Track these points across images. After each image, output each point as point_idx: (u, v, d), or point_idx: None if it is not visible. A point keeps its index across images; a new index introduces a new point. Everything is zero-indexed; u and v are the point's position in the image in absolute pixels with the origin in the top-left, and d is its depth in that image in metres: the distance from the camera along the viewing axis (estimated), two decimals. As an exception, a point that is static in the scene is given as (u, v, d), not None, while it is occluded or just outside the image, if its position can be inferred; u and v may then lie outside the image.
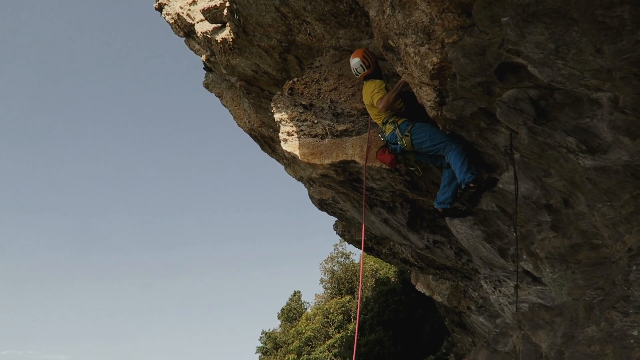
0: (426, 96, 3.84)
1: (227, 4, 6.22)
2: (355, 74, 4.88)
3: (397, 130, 4.56)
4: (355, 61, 4.79)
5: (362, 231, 4.70)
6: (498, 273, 6.08)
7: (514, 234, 4.69)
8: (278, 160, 10.12)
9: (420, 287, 14.64)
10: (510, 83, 3.14)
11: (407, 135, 4.50)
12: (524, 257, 5.00)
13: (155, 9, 9.98)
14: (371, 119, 5.01)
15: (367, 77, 4.80)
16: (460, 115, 3.83)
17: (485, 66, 3.09)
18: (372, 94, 4.70)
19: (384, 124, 4.71)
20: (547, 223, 4.27)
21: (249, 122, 9.37)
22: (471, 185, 4.25)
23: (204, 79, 10.70)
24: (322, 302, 26.68)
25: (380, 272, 23.31)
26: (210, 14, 7.52)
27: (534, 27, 2.25)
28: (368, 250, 10.18)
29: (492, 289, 6.62)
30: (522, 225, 4.66)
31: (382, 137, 4.79)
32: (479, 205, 5.14)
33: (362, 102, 5.11)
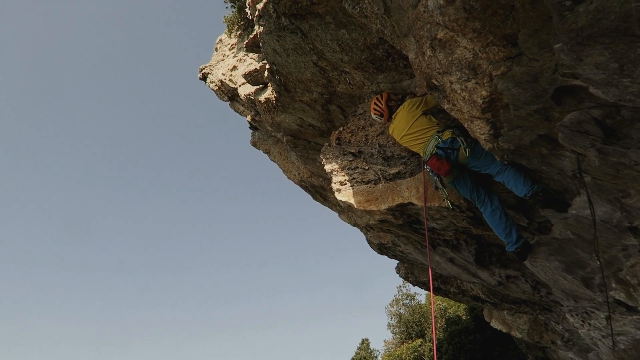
0: (479, 130, 3.72)
1: (267, 66, 6.47)
2: (380, 121, 5.19)
3: (461, 138, 4.38)
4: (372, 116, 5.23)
5: (429, 275, 4.49)
6: (584, 304, 5.56)
7: (597, 262, 4.31)
8: (331, 208, 10.11)
9: (495, 324, 13.73)
10: (569, 106, 2.98)
11: (470, 147, 4.33)
12: (613, 285, 4.56)
13: (200, 79, 10.61)
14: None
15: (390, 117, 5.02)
16: (519, 145, 3.67)
17: (539, 93, 2.96)
18: (418, 105, 4.74)
19: (439, 132, 4.52)
20: (635, 247, 3.90)
21: (298, 174, 9.50)
22: (540, 194, 3.99)
23: (250, 138, 11.06)
24: (392, 348, 25.52)
25: (449, 310, 22.15)
26: (252, 77, 7.85)
27: (592, 49, 2.14)
28: (435, 290, 9.74)
29: (580, 323, 6.05)
30: (605, 252, 4.29)
31: (436, 142, 4.50)
32: (551, 234, 4.82)
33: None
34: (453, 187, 4.70)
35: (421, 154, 4.73)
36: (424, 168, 4.94)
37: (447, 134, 4.47)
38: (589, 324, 5.98)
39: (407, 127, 4.74)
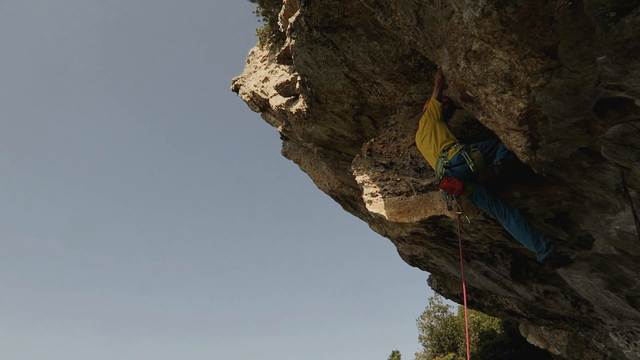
0: (516, 142, 3.62)
1: (299, 78, 6.53)
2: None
3: (464, 152, 4.28)
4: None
5: (463, 290, 4.37)
6: (630, 324, 5.29)
7: (644, 280, 4.11)
8: (361, 218, 10.05)
9: (532, 340, 13.27)
10: (613, 119, 2.86)
11: (476, 150, 4.23)
12: (661, 305, 4.32)
13: (232, 90, 10.81)
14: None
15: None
16: (558, 158, 3.54)
17: (580, 105, 2.86)
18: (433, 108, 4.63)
19: (444, 150, 4.42)
20: (685, 265, 3.69)
21: (329, 184, 9.50)
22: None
23: (281, 148, 11.17)
24: (424, 361, 24.99)
25: (483, 324, 21.50)
26: (283, 89, 7.94)
27: (639, 61, 2.05)
28: (468, 303, 9.50)
29: (625, 343, 5.75)
30: (652, 269, 4.08)
31: (443, 163, 4.42)
32: (593, 250, 4.62)
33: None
34: (472, 202, 4.58)
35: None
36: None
37: (452, 152, 4.37)
38: (635, 345, 5.67)
39: (420, 141, 4.74)
